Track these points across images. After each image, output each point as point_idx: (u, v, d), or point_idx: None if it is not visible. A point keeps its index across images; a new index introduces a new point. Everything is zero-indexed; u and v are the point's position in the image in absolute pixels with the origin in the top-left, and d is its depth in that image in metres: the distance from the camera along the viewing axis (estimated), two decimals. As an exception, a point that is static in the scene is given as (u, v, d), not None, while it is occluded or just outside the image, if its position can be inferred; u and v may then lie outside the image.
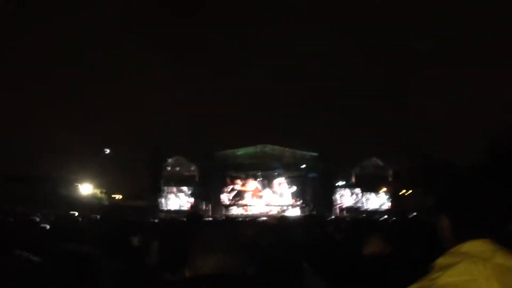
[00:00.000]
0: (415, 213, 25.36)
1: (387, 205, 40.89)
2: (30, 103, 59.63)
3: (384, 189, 41.74)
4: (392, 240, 3.85)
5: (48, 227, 5.68)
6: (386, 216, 25.66)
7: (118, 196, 44.23)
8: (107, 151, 43.51)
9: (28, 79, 60.42)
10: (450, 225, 1.49)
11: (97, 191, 42.22)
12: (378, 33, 76.83)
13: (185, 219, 6.45)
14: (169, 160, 42.99)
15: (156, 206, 39.90)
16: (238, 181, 43.73)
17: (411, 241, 4.21)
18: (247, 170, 43.73)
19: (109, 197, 43.05)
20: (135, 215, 22.51)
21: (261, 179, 43.75)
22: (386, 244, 3.30)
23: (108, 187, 43.48)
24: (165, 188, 41.83)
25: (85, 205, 34.73)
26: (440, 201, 1.59)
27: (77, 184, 40.82)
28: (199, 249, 1.93)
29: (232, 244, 1.97)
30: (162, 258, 4.55)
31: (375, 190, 41.78)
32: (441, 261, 1.40)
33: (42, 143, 45.39)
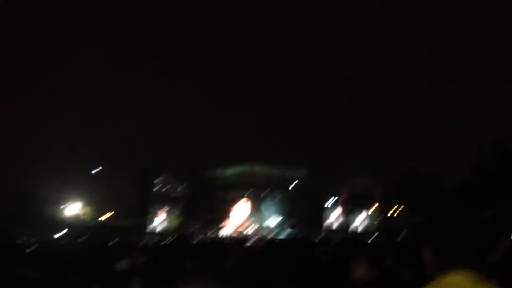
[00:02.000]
0: (403, 233, 25.41)
1: (375, 223, 40.90)
2: (16, 115, 58.83)
3: (373, 207, 41.80)
4: (380, 263, 3.85)
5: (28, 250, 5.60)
6: (374, 236, 25.72)
7: (105, 216, 43.74)
8: (96, 169, 43.21)
9: (13, 89, 59.57)
10: (432, 254, 1.49)
11: (85, 210, 41.71)
12: (366, 47, 77.63)
13: (174, 242, 6.40)
14: (158, 179, 42.77)
15: (143, 226, 39.51)
16: (226, 201, 43.56)
17: (400, 263, 4.21)
18: (236, 189, 43.59)
19: (96, 217, 42.51)
20: (122, 236, 22.27)
21: (249, 199, 43.63)
22: (373, 268, 3.29)
23: (96, 206, 42.99)
24: (153, 207, 41.53)
25: (71, 226, 34.28)
26: (422, 231, 1.59)
27: (64, 203, 40.32)
28: (186, 275, 1.91)
29: (219, 271, 1.95)
30: (148, 283, 4.48)
31: (364, 209, 41.82)
32: None
33: (28, 159, 44.63)
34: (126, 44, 72.80)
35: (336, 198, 43.00)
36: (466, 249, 1.45)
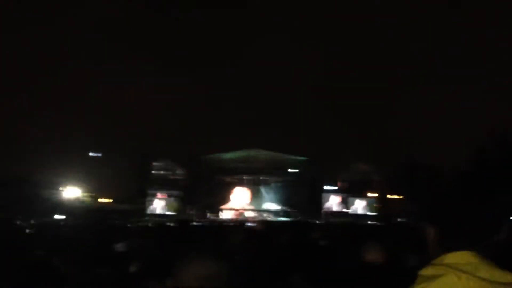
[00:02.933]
0: (401, 219, 25.52)
1: (374, 209, 41.07)
2: (17, 103, 58.82)
3: (371, 194, 41.94)
4: (380, 246, 3.84)
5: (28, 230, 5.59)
6: (373, 222, 25.80)
7: (105, 200, 43.87)
8: (96, 154, 43.24)
9: (13, 81, 59.48)
10: (436, 234, 1.47)
11: (84, 195, 41.81)
12: (365, 39, 77.43)
13: (174, 224, 6.40)
14: (157, 164, 42.80)
15: (142, 210, 39.63)
16: (225, 185, 43.67)
17: (402, 248, 4.21)
18: (235, 174, 43.67)
19: (96, 200, 42.63)
20: (121, 219, 22.34)
21: (248, 183, 43.73)
22: (373, 251, 3.29)
23: (95, 190, 43.10)
24: (152, 191, 41.61)
25: (71, 209, 34.35)
26: (427, 210, 1.58)
27: (64, 187, 40.40)
28: (186, 258, 1.89)
29: (220, 252, 1.94)
30: (147, 265, 4.49)
31: (362, 194, 41.97)
32: (425, 272, 1.38)
33: (26, 145, 44.64)
34: (129, 40, 72.62)
35: (335, 184, 43.13)
36: (468, 230, 1.44)
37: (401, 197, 39.81)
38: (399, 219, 25.89)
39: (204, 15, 78.05)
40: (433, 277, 1.33)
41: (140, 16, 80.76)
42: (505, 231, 1.43)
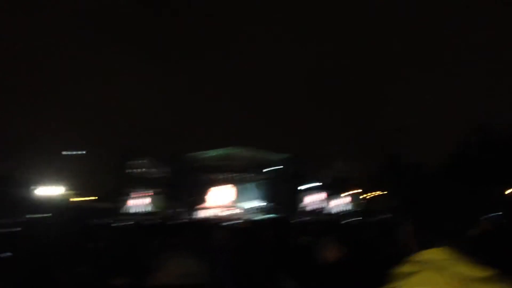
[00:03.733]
0: (384, 215, 25.71)
1: (357, 206, 41.35)
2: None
3: (354, 190, 42.23)
4: (358, 242, 3.86)
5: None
6: (356, 218, 25.88)
7: (86, 198, 43.39)
8: (77, 152, 42.69)
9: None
10: (413, 229, 1.47)
11: (64, 193, 41.25)
12: (352, 37, 77.97)
13: (154, 223, 6.35)
14: (137, 162, 42.48)
15: (122, 208, 39.33)
16: (208, 183, 43.58)
17: (378, 242, 4.23)
18: (217, 172, 43.60)
19: (76, 199, 42.11)
20: (100, 217, 22.12)
21: (231, 181, 43.71)
22: (340, 248, 3.30)
23: (76, 188, 42.59)
24: (132, 189, 41.30)
25: (50, 207, 33.86)
26: (403, 205, 1.58)
27: (43, 185, 39.80)
28: (166, 256, 1.87)
29: (201, 249, 1.91)
30: (125, 264, 4.44)
31: (344, 191, 42.24)
32: (403, 269, 1.38)
33: (8, 142, 43.94)
34: (111, 33, 71.81)
35: (318, 181, 43.30)
36: (445, 225, 1.44)
37: (384, 193, 40.17)
38: (382, 216, 26.11)
39: (191, 8, 77.59)
40: (411, 274, 1.33)
41: (128, 9, 79.95)
42: (480, 226, 1.44)
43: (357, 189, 42.32)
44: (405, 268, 1.37)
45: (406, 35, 76.96)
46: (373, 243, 3.65)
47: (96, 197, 42.31)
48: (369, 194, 41.87)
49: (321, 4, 78.71)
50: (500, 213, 7.85)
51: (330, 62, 75.98)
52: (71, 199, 41.11)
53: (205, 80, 77.33)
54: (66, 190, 41.24)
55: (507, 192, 25.96)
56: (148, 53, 72.78)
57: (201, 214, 40.52)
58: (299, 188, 41.91)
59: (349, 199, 42.29)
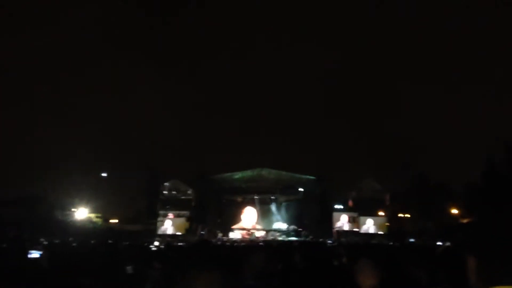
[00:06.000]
0: (413, 239, 25.21)
1: (384, 228, 40.59)
2: (23, 122, 59.06)
3: (382, 212, 41.50)
4: (389, 267, 3.76)
5: (39, 255, 5.56)
6: (383, 241, 25.48)
7: (114, 220, 43.85)
8: (104, 174, 43.35)
9: (14, 96, 59.82)
10: (477, 266, 1.42)
11: (93, 215, 41.82)
12: (372, 54, 77.67)
13: (189, 245, 6.34)
14: (166, 184, 42.80)
15: (152, 231, 39.54)
16: (235, 205, 43.54)
17: (410, 268, 4.13)
18: (244, 193, 43.55)
19: (105, 221, 42.63)
20: (131, 240, 22.30)
21: (257, 202, 43.57)
22: (378, 273, 3.23)
23: (104, 211, 43.13)
24: (162, 211, 41.54)
25: (80, 230, 34.37)
26: (468, 241, 1.51)
27: (73, 208, 40.45)
28: (197, 279, 1.85)
29: (233, 272, 1.89)
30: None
31: (373, 213, 41.53)
32: None
33: (37, 165, 44.98)
34: (138, 52, 73.36)
35: (345, 202, 42.78)
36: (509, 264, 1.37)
37: (411, 215, 39.36)
38: (411, 239, 25.59)
39: (206, 20, 78.77)
40: None
41: (143, 23, 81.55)
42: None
43: (385, 211, 41.56)
44: None
45: (425, 51, 76.17)
46: (410, 269, 3.55)
47: (124, 220, 42.78)
48: (397, 216, 41.03)
49: (337, 17, 78.75)
50: None
51: (354, 81, 75.65)
52: (100, 222, 41.65)
53: (229, 100, 77.91)
54: (94, 212, 41.84)
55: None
56: (173, 74, 73.83)
57: (230, 236, 40.43)
58: (326, 208, 41.41)
59: (377, 221, 41.53)
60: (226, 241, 31.84)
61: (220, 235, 39.73)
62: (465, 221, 32.67)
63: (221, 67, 78.71)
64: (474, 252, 1.44)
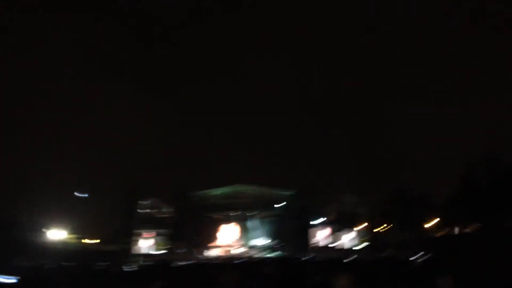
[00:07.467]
0: (391, 251, 25.30)
1: (363, 241, 40.73)
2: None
3: (361, 226, 41.66)
4: (365, 283, 3.79)
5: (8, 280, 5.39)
6: (358, 255, 25.50)
7: (90, 241, 42.88)
8: (80, 194, 42.52)
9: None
10: (453, 282, 1.45)
11: (69, 236, 40.84)
12: (355, 71, 78.89)
13: (159, 263, 6.27)
14: (144, 202, 42.26)
15: (127, 250, 38.84)
16: (213, 222, 43.21)
17: (386, 283, 4.16)
18: (222, 210, 43.29)
19: (81, 242, 41.63)
20: (107, 261, 21.87)
21: (235, 219, 43.35)
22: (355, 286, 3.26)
23: (80, 231, 42.13)
24: (138, 231, 40.94)
25: (56, 251, 33.51)
26: (444, 260, 1.54)
27: (47, 229, 39.43)
28: None
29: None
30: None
31: (353, 226, 41.64)
32: None
33: (8, 185, 43.76)
34: (114, 72, 72.92)
35: (324, 216, 42.78)
36: (485, 275, 1.40)
37: (389, 226, 39.62)
38: (389, 251, 25.73)
39: (193, 41, 78.86)
40: None
41: (129, 47, 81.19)
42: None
43: (365, 223, 41.75)
44: None
45: (412, 65, 77.49)
46: (386, 285, 3.58)
47: (100, 240, 41.89)
48: (377, 228, 41.22)
49: (327, 36, 79.78)
50: None
51: (334, 94, 76.47)
52: (77, 243, 40.71)
53: (207, 117, 77.85)
54: (71, 233, 40.89)
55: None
56: (152, 92, 73.47)
57: (208, 253, 40.02)
58: (305, 223, 41.40)
59: (357, 233, 41.70)
60: (202, 259, 31.56)
61: (197, 253, 39.33)
62: (442, 233, 33.12)
63: (200, 88, 78.70)
64: (449, 266, 1.48)
